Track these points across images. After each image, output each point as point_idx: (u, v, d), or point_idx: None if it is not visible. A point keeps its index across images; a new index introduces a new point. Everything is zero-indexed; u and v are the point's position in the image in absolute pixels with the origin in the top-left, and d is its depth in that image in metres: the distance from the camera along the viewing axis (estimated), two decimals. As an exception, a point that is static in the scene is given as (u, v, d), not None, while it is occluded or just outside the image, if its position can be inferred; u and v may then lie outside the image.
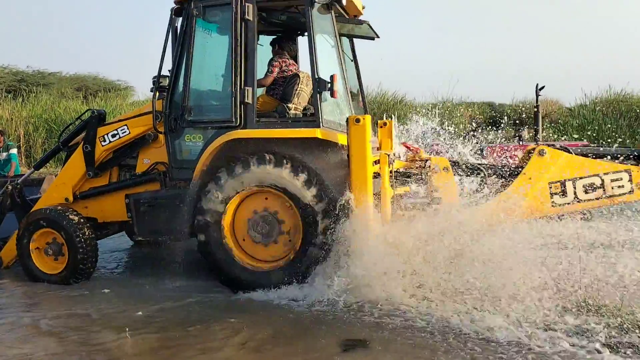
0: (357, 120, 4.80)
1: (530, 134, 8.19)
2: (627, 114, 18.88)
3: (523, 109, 30.10)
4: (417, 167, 5.76)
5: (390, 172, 5.32)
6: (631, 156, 6.07)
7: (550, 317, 4.08)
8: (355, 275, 4.63)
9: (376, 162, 5.28)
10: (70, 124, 6.18)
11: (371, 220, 4.78)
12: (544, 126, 24.81)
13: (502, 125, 23.56)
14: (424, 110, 22.63)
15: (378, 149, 5.27)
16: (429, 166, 5.66)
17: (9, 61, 35.99)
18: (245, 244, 5.27)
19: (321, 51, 5.29)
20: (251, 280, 5.14)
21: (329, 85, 5.11)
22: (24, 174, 7.29)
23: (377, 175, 5.27)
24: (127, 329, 4.16)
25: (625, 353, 3.50)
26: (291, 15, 5.83)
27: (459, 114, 24.47)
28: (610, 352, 3.51)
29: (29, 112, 16.73)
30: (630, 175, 5.62)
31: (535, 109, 8.12)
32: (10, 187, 6.14)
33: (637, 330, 3.74)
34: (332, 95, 5.14)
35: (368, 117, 4.88)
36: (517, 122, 29.62)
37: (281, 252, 5.21)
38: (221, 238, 5.18)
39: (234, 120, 5.20)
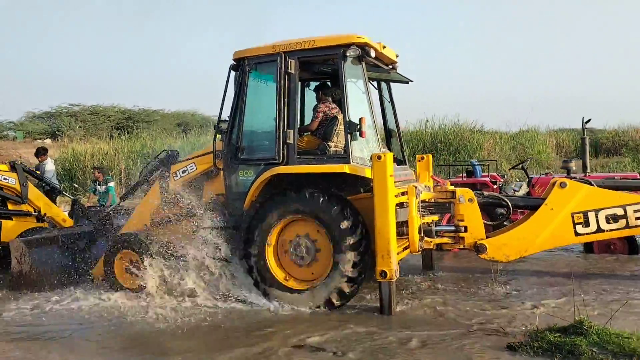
0: (379, 157, 5.46)
1: (578, 166, 8.33)
2: None
3: (617, 136, 28.99)
4: (443, 198, 6.29)
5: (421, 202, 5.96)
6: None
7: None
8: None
9: (404, 193, 5.93)
10: (150, 162, 7.34)
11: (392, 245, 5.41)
12: (632, 156, 23.81)
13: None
14: (501, 141, 22.68)
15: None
16: (455, 197, 6.18)
17: (118, 100, 39.96)
18: (287, 265, 6.07)
19: (353, 97, 6.06)
20: (289, 298, 5.90)
21: (358, 126, 5.85)
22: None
23: (406, 205, 5.91)
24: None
25: None
26: (331, 65, 6.66)
27: (541, 142, 23.99)
28: None
29: (130, 148, 18.76)
30: (654, 207, 5.82)
31: (582, 141, 8.30)
32: (102, 215, 7.38)
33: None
34: (361, 135, 5.87)
35: (390, 155, 5.53)
36: (608, 150, 28.54)
37: (317, 273, 5.94)
38: (266, 260, 6.01)
39: (277, 157, 6.07)
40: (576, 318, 4.51)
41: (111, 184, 10.92)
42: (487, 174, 9.34)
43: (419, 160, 7.37)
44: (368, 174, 5.78)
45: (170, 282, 6.40)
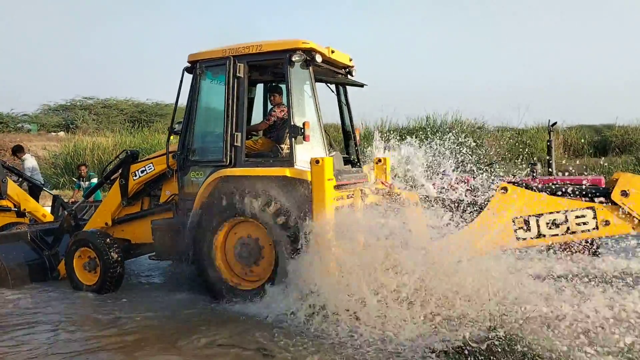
0: (317, 162, 5.55)
1: (544, 168, 8.32)
2: None
3: (626, 134, 28.32)
4: (390, 201, 6.35)
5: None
6: (597, 193, 6.21)
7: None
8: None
9: (350, 196, 6.04)
10: (111, 162, 7.53)
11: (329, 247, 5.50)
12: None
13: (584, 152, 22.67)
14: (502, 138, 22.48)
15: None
16: (401, 200, 6.24)
17: (131, 94, 40.43)
18: (234, 265, 6.21)
19: (300, 101, 6.16)
20: (235, 296, 6.05)
21: (302, 130, 5.94)
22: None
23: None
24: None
25: None
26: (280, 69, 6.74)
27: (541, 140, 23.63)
28: None
29: (129, 142, 19.08)
30: (595, 212, 5.82)
31: (548, 143, 8.29)
32: (67, 212, 7.60)
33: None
34: (305, 139, 5.96)
35: (328, 159, 5.62)
36: (618, 148, 28.01)
37: (262, 273, 6.07)
38: (213, 260, 6.16)
39: (224, 160, 6.20)
40: (489, 325, 4.57)
41: (94, 180, 11.16)
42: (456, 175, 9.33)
43: (376, 163, 7.43)
44: (309, 177, 5.87)
45: (125, 280, 6.59)
